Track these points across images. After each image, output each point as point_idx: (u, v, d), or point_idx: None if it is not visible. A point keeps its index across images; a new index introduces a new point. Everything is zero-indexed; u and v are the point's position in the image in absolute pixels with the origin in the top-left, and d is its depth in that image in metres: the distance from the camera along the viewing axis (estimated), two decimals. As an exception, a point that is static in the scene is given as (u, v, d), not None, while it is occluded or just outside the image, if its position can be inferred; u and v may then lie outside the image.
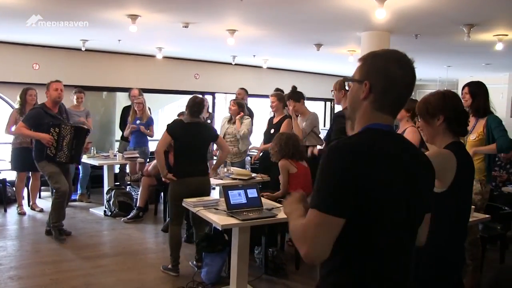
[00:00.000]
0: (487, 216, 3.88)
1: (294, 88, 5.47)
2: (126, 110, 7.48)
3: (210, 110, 7.60)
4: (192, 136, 4.23)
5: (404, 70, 1.41)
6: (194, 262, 4.40)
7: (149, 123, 7.01)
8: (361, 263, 1.35)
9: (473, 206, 3.79)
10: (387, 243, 1.36)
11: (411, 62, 1.44)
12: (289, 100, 5.37)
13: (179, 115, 5.89)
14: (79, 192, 7.14)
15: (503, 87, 10.33)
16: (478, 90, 4.06)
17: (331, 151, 1.34)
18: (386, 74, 1.40)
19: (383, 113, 1.43)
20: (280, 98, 5.60)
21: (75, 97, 6.78)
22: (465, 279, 4.06)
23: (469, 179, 2.26)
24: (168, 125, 4.27)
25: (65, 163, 5.18)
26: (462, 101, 4.11)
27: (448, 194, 2.08)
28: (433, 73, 10.35)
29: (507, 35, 5.66)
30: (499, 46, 5.86)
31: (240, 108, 5.97)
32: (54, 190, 5.21)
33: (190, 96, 4.40)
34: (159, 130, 7.12)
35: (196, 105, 4.29)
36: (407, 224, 1.41)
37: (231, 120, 6.00)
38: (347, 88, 1.54)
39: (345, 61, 7.91)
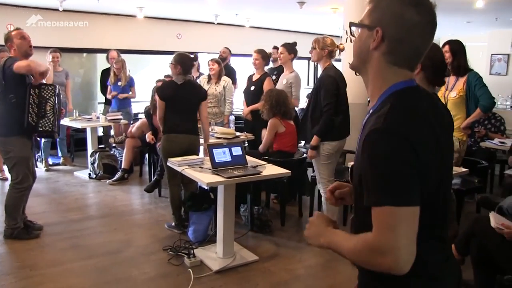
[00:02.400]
0: (465, 170, 4.00)
1: (294, 42, 5.42)
2: (105, 73, 7.37)
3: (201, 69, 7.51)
4: (184, 96, 4.19)
5: (423, 16, 1.19)
6: (173, 224, 4.43)
7: (130, 84, 6.93)
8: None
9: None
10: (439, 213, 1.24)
11: (433, 6, 1.22)
12: (282, 46, 5.34)
13: (157, 82, 5.79)
14: (60, 155, 7.05)
15: (483, 45, 10.38)
16: (458, 48, 4.08)
17: (385, 136, 1.13)
18: (402, 20, 1.19)
19: (399, 67, 1.23)
20: (264, 56, 5.59)
21: (50, 56, 6.58)
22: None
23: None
24: (159, 90, 4.22)
25: (47, 135, 4.80)
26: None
27: None
28: (416, 31, 10.33)
29: (487, -8, 5.66)
30: (479, 4, 5.87)
31: (220, 66, 5.93)
32: (15, 181, 4.01)
33: (173, 56, 4.30)
34: (144, 90, 7.07)
35: (189, 61, 4.23)
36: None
37: (210, 80, 5.96)
38: (352, 35, 1.29)
39: (328, 19, 7.84)
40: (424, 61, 2.11)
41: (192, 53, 4.53)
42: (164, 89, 4.25)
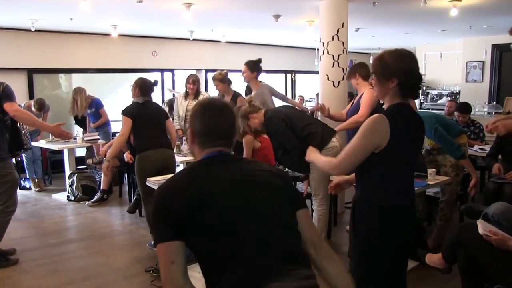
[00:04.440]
0: (448, 178, 4.00)
1: (259, 59, 5.43)
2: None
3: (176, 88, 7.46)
4: (148, 112, 4.30)
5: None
6: (153, 243, 4.35)
7: (97, 107, 6.86)
8: None
9: (434, 170, 3.91)
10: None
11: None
12: (245, 65, 5.39)
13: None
14: (27, 176, 6.79)
15: (458, 52, 10.56)
16: None
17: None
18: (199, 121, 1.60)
19: (212, 146, 1.58)
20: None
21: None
22: (429, 240, 4.21)
23: (408, 138, 2.18)
24: (124, 110, 4.27)
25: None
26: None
27: (382, 154, 2.07)
28: (391, 41, 10.44)
29: (460, 0, 5.73)
30: (453, 12, 5.92)
31: (197, 84, 5.89)
32: (5, 205, 3.83)
33: (149, 74, 4.36)
34: (121, 109, 6.95)
35: (148, 84, 4.39)
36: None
37: (187, 97, 5.89)
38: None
39: (304, 31, 7.88)
40: (401, 77, 2.08)
41: (170, 70, 4.55)
42: (129, 109, 4.31)
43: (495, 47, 9.97)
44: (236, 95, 5.61)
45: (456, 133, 4.10)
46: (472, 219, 3.38)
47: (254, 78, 5.41)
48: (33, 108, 6.41)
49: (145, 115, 4.26)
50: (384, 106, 2.21)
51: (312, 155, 2.46)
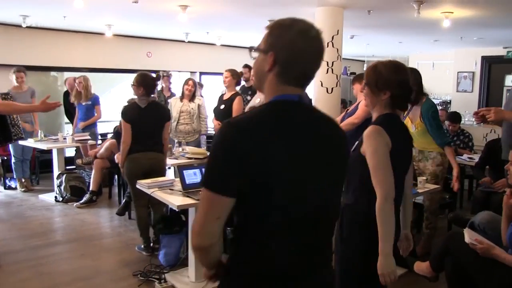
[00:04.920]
0: (437, 186, 4.02)
1: None
2: (67, 95, 7.18)
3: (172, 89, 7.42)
4: (148, 120, 4.12)
5: (309, 43, 1.35)
6: (142, 246, 4.31)
7: (94, 102, 6.74)
8: None
9: (424, 178, 3.93)
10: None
11: (319, 33, 1.37)
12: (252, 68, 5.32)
13: (129, 101, 5.70)
14: (14, 177, 6.68)
15: (450, 62, 10.67)
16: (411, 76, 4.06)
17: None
18: (291, 47, 1.34)
19: (289, 85, 1.37)
20: (234, 74, 5.58)
21: (14, 76, 6.35)
22: (417, 247, 4.23)
23: (402, 148, 2.19)
24: (124, 113, 4.12)
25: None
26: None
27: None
28: (385, 49, 10.53)
29: (452, 12, 5.81)
30: (446, 23, 6.01)
31: (195, 87, 5.88)
32: None
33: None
34: (113, 110, 6.91)
35: (152, 82, 4.17)
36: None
37: (183, 99, 5.87)
38: (252, 57, 1.47)
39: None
40: (395, 90, 2.09)
41: (156, 71, 4.48)
42: (128, 112, 4.14)
43: (484, 59, 10.13)
44: (237, 94, 5.62)
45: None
46: (460, 227, 3.41)
47: None
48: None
49: (144, 123, 4.09)
50: (373, 116, 2.21)
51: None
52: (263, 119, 1.31)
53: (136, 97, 5.62)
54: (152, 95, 4.26)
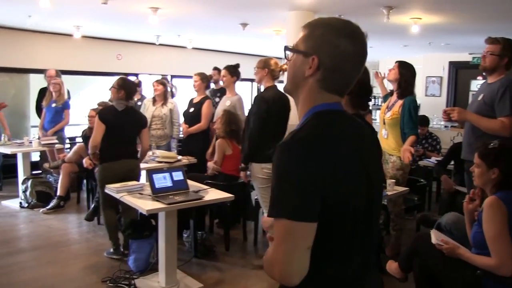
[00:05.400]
0: (406, 188, 4.08)
1: (237, 64, 5.42)
2: (43, 92, 6.99)
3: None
4: (125, 125, 4.08)
5: (357, 47, 1.24)
6: (111, 250, 4.25)
7: (65, 106, 6.60)
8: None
9: (393, 180, 3.98)
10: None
11: (365, 36, 1.26)
12: (225, 69, 5.31)
13: (100, 104, 5.59)
14: None
15: (419, 67, 10.84)
16: (407, 71, 4.18)
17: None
18: (338, 51, 1.22)
19: (329, 92, 1.26)
20: (203, 78, 5.55)
21: None
22: (387, 248, 4.29)
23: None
24: (101, 113, 4.06)
25: None
26: (388, 73, 4.27)
27: None
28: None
29: (421, 18, 5.95)
30: (414, 29, 6.15)
31: (165, 87, 5.81)
32: None
33: (112, 77, 4.18)
34: (82, 113, 6.75)
35: (134, 87, 4.14)
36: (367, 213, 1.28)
37: (155, 102, 5.81)
38: (286, 58, 1.33)
39: (271, 41, 7.93)
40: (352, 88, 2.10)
41: (135, 74, 4.43)
42: (106, 113, 4.08)
43: (452, 64, 10.41)
44: (206, 97, 5.58)
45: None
46: (428, 228, 3.47)
47: (233, 83, 5.36)
48: None
49: (121, 126, 4.04)
50: None
51: None
52: (323, 133, 1.19)
53: (107, 100, 5.57)
54: (131, 101, 4.21)
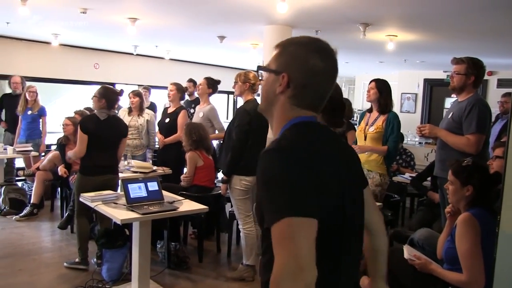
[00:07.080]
0: (379, 204, 4.15)
1: (218, 80, 5.67)
2: (6, 98, 6.87)
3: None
4: (106, 134, 4.05)
5: (326, 63, 1.25)
6: (95, 259, 4.21)
7: (41, 113, 6.54)
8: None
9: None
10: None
11: (334, 53, 1.28)
12: (205, 79, 5.43)
13: (76, 113, 5.56)
14: None
15: (394, 84, 11.05)
16: (385, 87, 4.28)
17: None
18: (307, 67, 1.24)
19: (302, 108, 1.27)
20: (178, 88, 5.58)
21: None
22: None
23: None
24: (83, 123, 4.02)
25: None
26: (366, 94, 4.38)
27: None
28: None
29: (396, 36, 6.11)
30: (390, 46, 6.30)
31: (141, 99, 5.82)
32: None
33: (89, 86, 4.16)
34: (57, 121, 6.68)
35: (115, 96, 4.11)
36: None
37: (131, 113, 5.80)
38: (260, 77, 1.37)
39: (248, 54, 8.01)
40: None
41: (112, 84, 4.41)
42: (87, 123, 4.04)
43: (426, 81, 10.66)
44: (181, 107, 5.60)
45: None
46: (400, 243, 3.53)
47: (207, 94, 5.49)
48: None
49: (102, 136, 4.01)
50: None
51: None
52: (306, 139, 1.22)
53: (83, 109, 5.53)
54: (113, 110, 4.20)
